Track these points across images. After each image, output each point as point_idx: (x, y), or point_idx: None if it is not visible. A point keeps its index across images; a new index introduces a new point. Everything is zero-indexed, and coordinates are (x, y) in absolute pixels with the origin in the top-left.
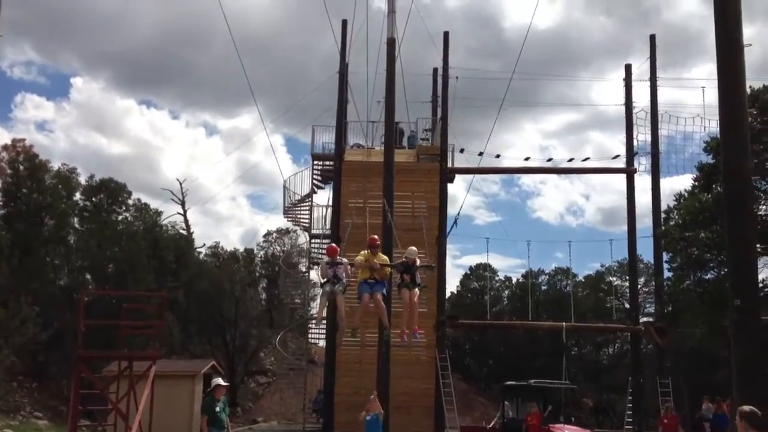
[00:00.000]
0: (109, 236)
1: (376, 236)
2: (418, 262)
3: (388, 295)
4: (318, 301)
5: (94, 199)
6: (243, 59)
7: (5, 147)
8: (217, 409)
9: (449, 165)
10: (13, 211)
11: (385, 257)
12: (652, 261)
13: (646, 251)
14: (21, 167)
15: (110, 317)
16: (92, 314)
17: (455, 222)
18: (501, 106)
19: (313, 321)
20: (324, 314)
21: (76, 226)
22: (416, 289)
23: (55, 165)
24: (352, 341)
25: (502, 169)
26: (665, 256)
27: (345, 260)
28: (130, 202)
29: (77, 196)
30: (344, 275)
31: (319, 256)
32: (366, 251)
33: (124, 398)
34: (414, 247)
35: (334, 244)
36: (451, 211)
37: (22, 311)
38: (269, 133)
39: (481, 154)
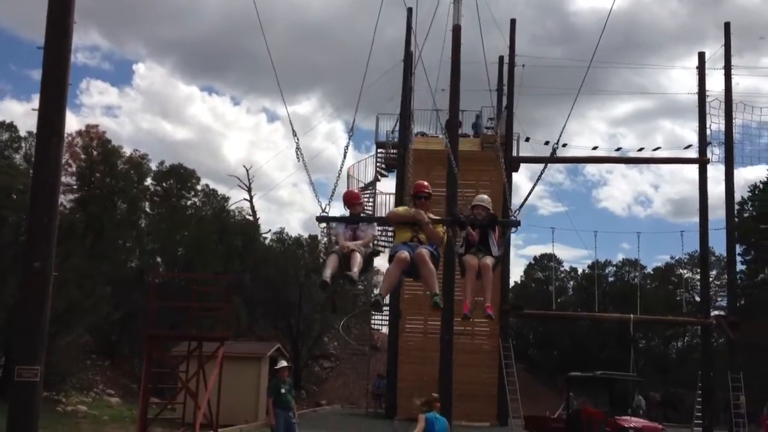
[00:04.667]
0: (179, 221)
1: (425, 182)
2: (490, 213)
3: (450, 270)
4: (328, 261)
5: (164, 184)
6: (304, 46)
7: (80, 133)
8: (283, 390)
9: (514, 154)
10: (87, 195)
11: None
12: (724, 253)
13: (718, 243)
14: (94, 152)
15: (180, 299)
16: (162, 296)
17: (554, 151)
18: (576, 96)
19: (321, 281)
20: (329, 275)
21: (147, 210)
22: (488, 258)
23: (121, 149)
24: (415, 327)
25: (569, 159)
26: (738, 249)
27: (370, 230)
28: (199, 187)
29: (148, 181)
30: (368, 239)
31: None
32: (406, 206)
33: (194, 378)
34: (486, 195)
35: (355, 190)
36: (516, 200)
37: (96, 291)
38: (329, 119)
39: (547, 143)
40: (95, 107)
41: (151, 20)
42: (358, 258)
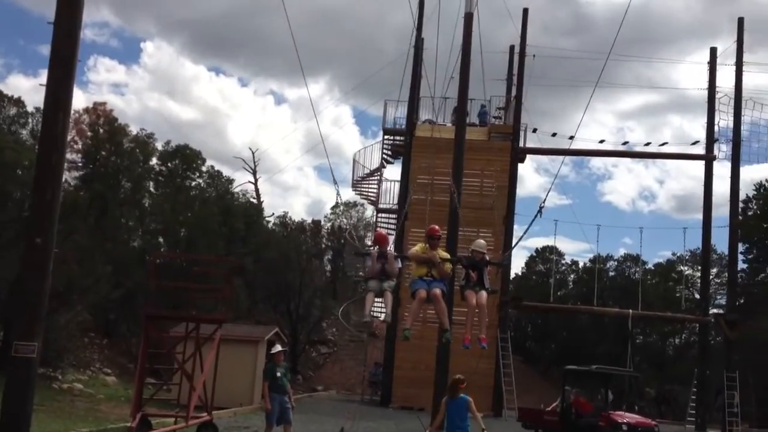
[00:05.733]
0: (183, 201)
1: (437, 227)
2: (487, 258)
3: (450, 297)
4: (366, 300)
5: (169, 164)
6: (315, 29)
7: (87, 110)
8: (278, 374)
9: (521, 145)
10: (91, 172)
11: (446, 254)
12: (726, 251)
13: (720, 241)
14: (101, 130)
15: (180, 280)
16: (163, 276)
17: (539, 211)
18: (591, 94)
19: (365, 322)
20: (370, 312)
21: (151, 189)
22: (484, 292)
23: (128, 128)
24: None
25: (576, 151)
26: (741, 247)
27: (394, 252)
28: (204, 168)
29: (153, 160)
30: (394, 272)
31: (385, 232)
32: (423, 244)
33: (190, 359)
34: (483, 241)
35: (384, 231)
36: (520, 191)
37: (96, 270)
38: (337, 104)
39: (554, 135)
40: (102, 84)
41: None
42: (389, 299)
